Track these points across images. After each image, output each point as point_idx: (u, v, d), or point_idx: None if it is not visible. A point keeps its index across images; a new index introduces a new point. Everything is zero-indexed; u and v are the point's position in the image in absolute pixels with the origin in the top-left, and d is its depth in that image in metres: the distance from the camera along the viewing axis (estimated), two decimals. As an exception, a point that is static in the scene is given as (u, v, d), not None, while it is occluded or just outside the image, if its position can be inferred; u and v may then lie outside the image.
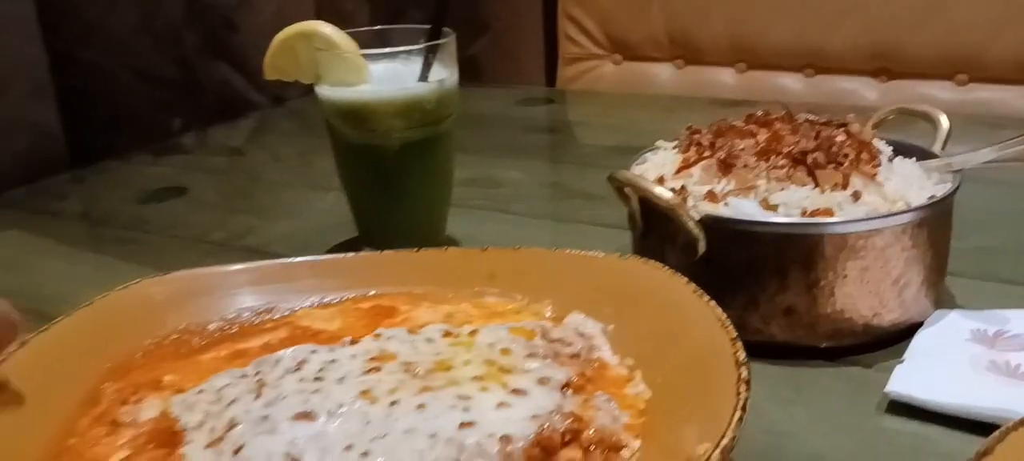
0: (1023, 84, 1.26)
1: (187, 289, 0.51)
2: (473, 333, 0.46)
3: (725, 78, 1.45)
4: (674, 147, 0.59)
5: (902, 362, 0.48)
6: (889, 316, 0.51)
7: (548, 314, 0.51)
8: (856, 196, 0.51)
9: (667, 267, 0.49)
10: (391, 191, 0.66)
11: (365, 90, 0.63)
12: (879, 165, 0.53)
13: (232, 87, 1.19)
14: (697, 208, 0.52)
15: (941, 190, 0.52)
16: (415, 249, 0.56)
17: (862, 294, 0.50)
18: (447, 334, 0.47)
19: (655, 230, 0.54)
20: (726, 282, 0.50)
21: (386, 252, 0.56)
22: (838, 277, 0.49)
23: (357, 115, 0.64)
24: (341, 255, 0.57)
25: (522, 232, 0.74)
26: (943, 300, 0.54)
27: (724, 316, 0.43)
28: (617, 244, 0.56)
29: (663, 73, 1.48)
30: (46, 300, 0.66)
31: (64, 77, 1.00)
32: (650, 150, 0.61)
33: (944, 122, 0.59)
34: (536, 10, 1.61)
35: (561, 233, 0.74)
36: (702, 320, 0.44)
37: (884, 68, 1.35)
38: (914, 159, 0.55)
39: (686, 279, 0.47)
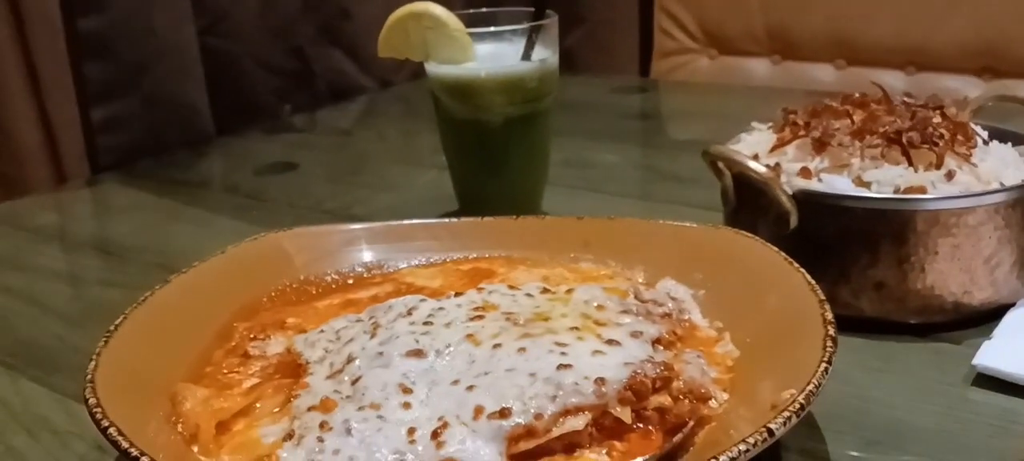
0: None
1: (309, 243, 0.56)
2: (569, 291, 0.49)
3: (823, 75, 1.43)
4: (769, 128, 0.61)
5: (991, 338, 0.49)
6: (980, 295, 0.52)
7: (640, 279, 0.53)
8: (950, 175, 0.51)
9: (758, 237, 0.51)
10: (492, 164, 0.69)
11: (471, 67, 0.67)
12: (974, 146, 0.53)
13: (344, 73, 1.25)
14: (790, 183, 0.53)
15: (1038, 173, 0.53)
16: (514, 217, 0.59)
17: (953, 271, 0.51)
18: (545, 291, 0.50)
19: (747, 205, 0.56)
20: (817, 256, 0.51)
21: (486, 218, 0.59)
22: (929, 254, 0.50)
23: (463, 91, 0.67)
24: (445, 220, 0.61)
25: (615, 209, 0.76)
26: (1037, 283, 0.55)
27: (812, 280, 0.45)
28: (708, 223, 0.58)
29: (759, 68, 1.47)
30: (175, 256, 0.72)
31: (208, 62, 1.08)
32: (745, 131, 0.62)
33: (1045, 109, 0.59)
34: (632, 4, 1.63)
35: (653, 212, 0.76)
36: (791, 285, 0.46)
37: (989, 66, 1.31)
38: (1010, 143, 0.56)
39: (776, 248, 0.49)
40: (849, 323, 0.50)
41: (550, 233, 0.58)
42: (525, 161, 0.71)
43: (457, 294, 0.49)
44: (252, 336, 0.49)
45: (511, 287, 0.50)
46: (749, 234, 0.51)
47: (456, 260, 0.57)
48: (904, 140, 0.52)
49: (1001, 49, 1.30)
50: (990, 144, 0.55)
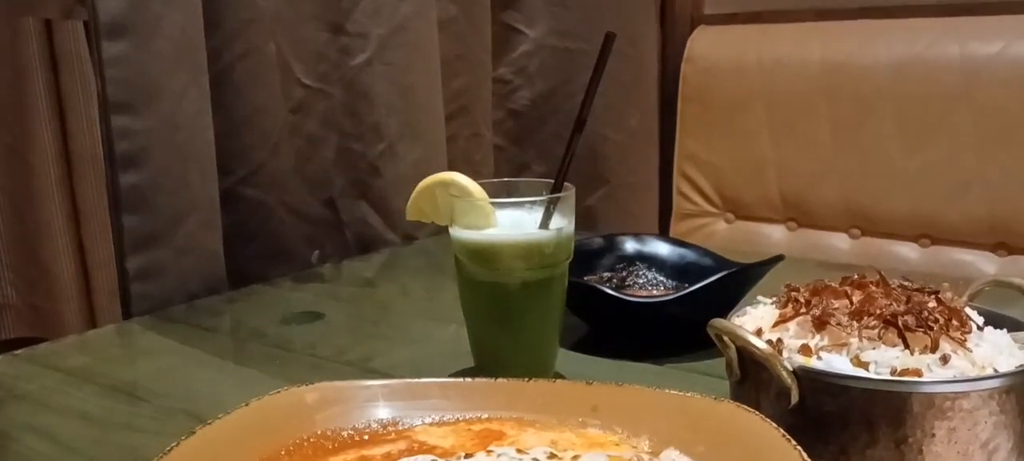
0: None
1: (329, 398, 0.58)
2: (575, 458, 0.51)
3: (838, 243, 1.47)
4: (773, 302, 0.63)
5: (990, 524, 0.49)
6: (979, 479, 0.53)
7: (645, 448, 0.55)
8: (945, 359, 0.53)
9: (758, 413, 0.53)
10: (509, 325, 0.72)
11: (492, 233, 0.71)
12: (969, 332, 0.55)
13: (370, 225, 1.31)
14: (791, 360, 0.55)
15: (1032, 360, 0.54)
16: (526, 379, 0.61)
17: (950, 455, 0.52)
18: (552, 456, 0.52)
19: (751, 378, 0.58)
20: (818, 433, 0.53)
21: (500, 380, 0.62)
22: (926, 436, 0.52)
23: (483, 255, 0.71)
24: (460, 379, 0.63)
25: (625, 373, 0.78)
26: (1038, 469, 0.55)
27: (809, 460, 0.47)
28: (715, 390, 0.60)
29: (775, 234, 1.51)
30: (198, 404, 0.75)
31: (232, 211, 1.14)
32: (750, 304, 0.65)
33: (1040, 297, 0.61)
34: (652, 168, 1.69)
35: (662, 376, 0.79)
36: (788, 463, 0.47)
37: (1003, 243, 1.34)
38: (1006, 329, 0.58)
39: (775, 425, 0.51)
40: (850, 501, 0.51)
41: (560, 396, 0.60)
42: (539, 322, 0.74)
43: (467, 456, 0.51)
44: (268, 490, 0.51)
45: (519, 451, 0.52)
46: (750, 409, 0.53)
47: (468, 420, 0.59)
48: (900, 323, 0.55)
49: (1014, 226, 1.33)
50: (984, 329, 0.57)
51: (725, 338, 0.59)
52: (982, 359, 0.54)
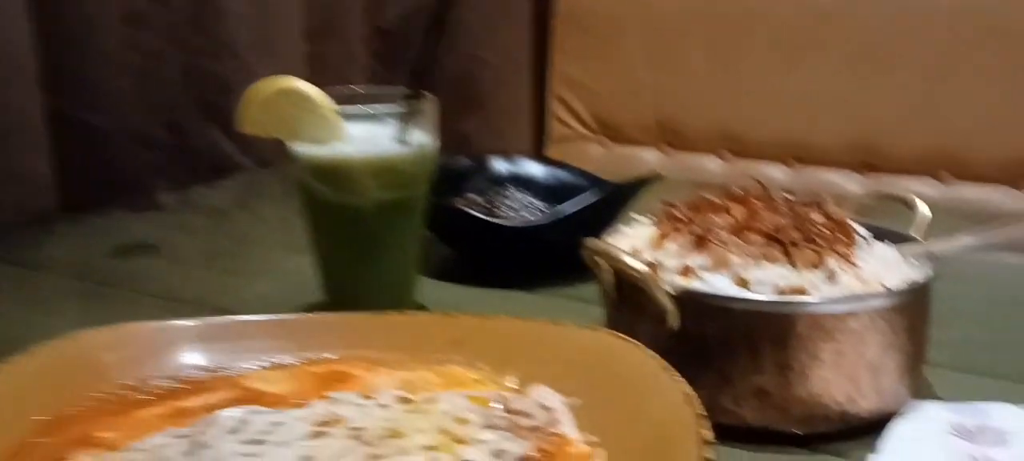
0: (1006, 183, 1.27)
1: (132, 342, 0.49)
2: (430, 400, 0.44)
3: (710, 165, 1.46)
4: (650, 221, 0.58)
5: (875, 452, 0.46)
6: (865, 403, 0.49)
7: (512, 385, 0.49)
8: (831, 276, 0.49)
9: (636, 341, 0.47)
10: (362, 253, 0.64)
11: (341, 149, 0.62)
12: (856, 246, 0.52)
13: (221, 150, 1.19)
14: (670, 282, 0.50)
15: (920, 275, 0.51)
16: (379, 313, 0.54)
17: (836, 378, 0.48)
18: (403, 400, 0.45)
19: (628, 303, 0.53)
20: (698, 359, 0.49)
21: (345, 314, 0.54)
22: (811, 359, 0.48)
23: (330, 174, 0.63)
24: (296, 315, 0.55)
25: (493, 302, 0.72)
26: (921, 390, 0.53)
27: (691, 393, 0.41)
28: (591, 318, 0.54)
29: (649, 157, 1.49)
30: (6, 346, 0.64)
31: (62, 135, 1.00)
32: (625, 223, 0.60)
33: (923, 209, 0.58)
34: (526, 91, 1.63)
35: (534, 304, 0.73)
36: (668, 397, 0.42)
37: (867, 163, 1.36)
38: (887, 241, 0.54)
39: (654, 354, 0.45)
40: (732, 432, 0.47)
41: (417, 332, 0.53)
42: (398, 250, 0.66)
43: (300, 405, 0.44)
44: (55, 456, 0.41)
45: (365, 395, 0.45)
46: (628, 339, 0.48)
47: (309, 361, 0.52)
48: (785, 239, 0.50)
49: (878, 146, 1.35)
50: (871, 244, 0.54)
51: (599, 260, 0.54)
52: (870, 275, 0.50)
